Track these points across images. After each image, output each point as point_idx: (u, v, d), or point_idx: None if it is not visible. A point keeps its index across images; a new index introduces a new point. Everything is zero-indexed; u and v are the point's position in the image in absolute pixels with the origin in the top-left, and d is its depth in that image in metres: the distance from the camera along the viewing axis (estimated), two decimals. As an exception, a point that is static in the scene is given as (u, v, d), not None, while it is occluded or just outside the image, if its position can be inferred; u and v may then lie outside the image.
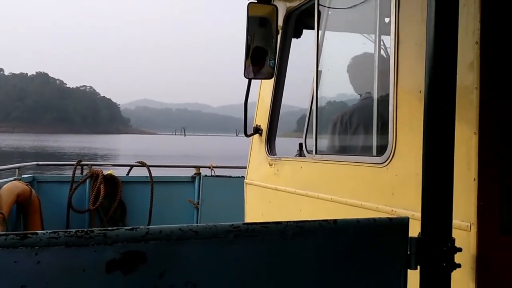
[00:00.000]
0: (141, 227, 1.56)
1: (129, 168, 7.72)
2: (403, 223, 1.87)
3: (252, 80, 4.14)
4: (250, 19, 3.79)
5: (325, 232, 1.77)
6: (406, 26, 2.52)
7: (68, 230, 1.49)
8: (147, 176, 7.24)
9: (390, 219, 1.87)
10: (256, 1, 4.00)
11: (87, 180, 7.05)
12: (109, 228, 1.53)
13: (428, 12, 1.82)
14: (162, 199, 7.25)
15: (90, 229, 1.51)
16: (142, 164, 7.43)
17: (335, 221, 1.79)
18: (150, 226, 1.57)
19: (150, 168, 7.33)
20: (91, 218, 7.04)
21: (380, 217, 1.86)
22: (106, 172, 7.14)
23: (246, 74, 3.96)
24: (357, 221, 1.82)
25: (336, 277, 1.78)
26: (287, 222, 1.72)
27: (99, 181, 6.88)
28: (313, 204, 3.43)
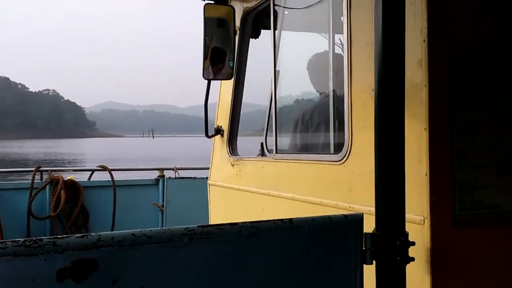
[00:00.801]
0: (92, 234, 1.53)
1: (90, 172, 7.58)
2: (358, 219, 1.90)
3: (212, 81, 4.12)
4: (207, 20, 3.77)
5: (281, 231, 1.78)
6: (357, 26, 2.56)
7: (16, 239, 1.45)
8: (109, 180, 7.12)
9: (345, 216, 1.89)
10: (212, 2, 3.99)
11: (47, 186, 6.88)
12: (59, 236, 1.50)
13: (375, 12, 1.85)
14: (126, 203, 7.15)
15: (39, 237, 1.48)
16: (104, 168, 7.30)
17: (290, 220, 1.80)
18: (102, 233, 1.55)
19: (113, 172, 7.22)
20: (52, 225, 6.88)
21: (335, 214, 1.88)
22: (66, 178, 6.99)
23: (205, 75, 3.94)
24: (312, 220, 1.84)
25: (292, 275, 1.79)
26: (243, 223, 1.73)
27: (59, 186, 6.72)
28: (275, 203, 3.45)
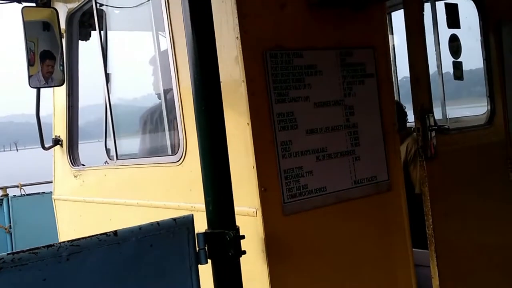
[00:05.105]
0: None
1: None
2: (188, 221, 1.88)
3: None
4: (28, 24, 3.49)
5: (106, 246, 1.69)
6: (178, 26, 2.54)
7: None
8: None
9: (174, 219, 1.86)
10: (33, 4, 3.71)
11: None
12: None
13: (183, 12, 1.84)
14: (-34, 231, 6.40)
15: None
16: None
17: (115, 232, 1.72)
18: None
19: None
20: None
21: (163, 219, 1.84)
22: None
23: (32, 84, 3.64)
24: (139, 228, 1.78)
25: (122, 289, 1.72)
26: (60, 243, 1.61)
27: None
28: (122, 212, 3.33)
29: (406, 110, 4.43)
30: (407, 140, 4.07)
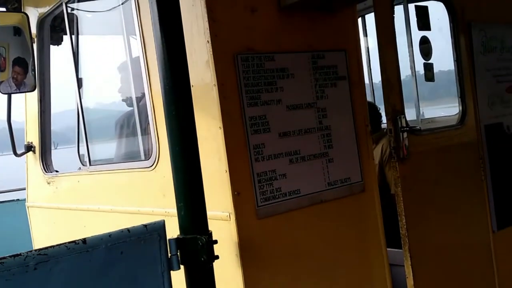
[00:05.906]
0: None
1: None
2: (159, 227, 1.86)
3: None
4: None
5: (75, 254, 1.67)
6: (149, 31, 2.52)
7: None
8: None
9: (144, 225, 1.84)
10: (4, 9, 3.66)
11: None
12: None
13: (152, 16, 1.82)
14: None
15: None
16: None
17: (84, 240, 1.69)
18: None
19: None
20: None
21: (134, 226, 1.82)
22: None
23: (3, 90, 3.57)
24: (109, 235, 1.75)
25: (92, 298, 1.70)
26: (28, 252, 1.58)
27: None
28: (96, 218, 3.29)
29: (380, 111, 4.47)
30: (382, 141, 4.11)
